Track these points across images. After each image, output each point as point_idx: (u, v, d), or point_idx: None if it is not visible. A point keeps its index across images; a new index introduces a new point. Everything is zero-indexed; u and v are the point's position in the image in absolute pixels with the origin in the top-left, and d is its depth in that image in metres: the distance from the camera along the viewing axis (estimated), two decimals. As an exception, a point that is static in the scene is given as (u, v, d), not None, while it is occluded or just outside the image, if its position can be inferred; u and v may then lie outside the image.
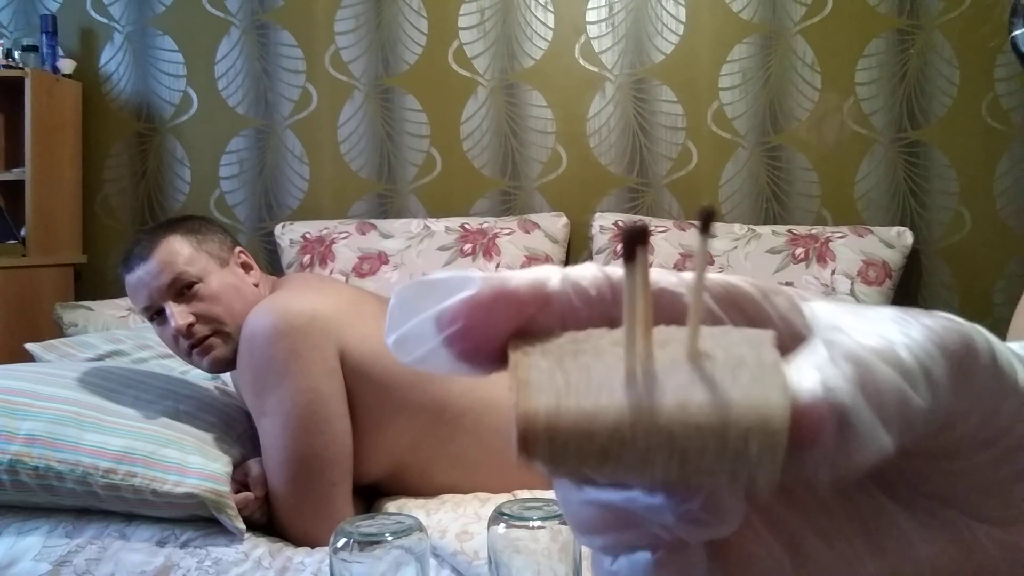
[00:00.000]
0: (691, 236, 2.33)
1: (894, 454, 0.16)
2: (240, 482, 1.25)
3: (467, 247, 2.31)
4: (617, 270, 0.19)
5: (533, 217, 2.44)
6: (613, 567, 0.18)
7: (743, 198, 2.52)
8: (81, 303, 2.19)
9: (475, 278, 0.19)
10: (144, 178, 2.64)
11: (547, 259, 2.33)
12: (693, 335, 0.17)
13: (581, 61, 2.54)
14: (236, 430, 1.34)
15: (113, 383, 1.32)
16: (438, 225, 2.38)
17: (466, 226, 2.37)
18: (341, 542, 0.80)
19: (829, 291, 2.20)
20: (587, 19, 2.54)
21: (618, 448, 0.16)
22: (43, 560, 1.13)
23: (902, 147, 2.48)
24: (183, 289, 1.27)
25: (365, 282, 2.22)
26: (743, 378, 0.16)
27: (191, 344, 1.27)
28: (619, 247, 0.17)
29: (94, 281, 2.60)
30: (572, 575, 0.83)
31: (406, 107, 2.58)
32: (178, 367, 1.62)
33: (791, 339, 0.19)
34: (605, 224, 2.40)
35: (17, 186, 2.41)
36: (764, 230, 2.34)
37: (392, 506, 1.28)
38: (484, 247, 2.31)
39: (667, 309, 0.19)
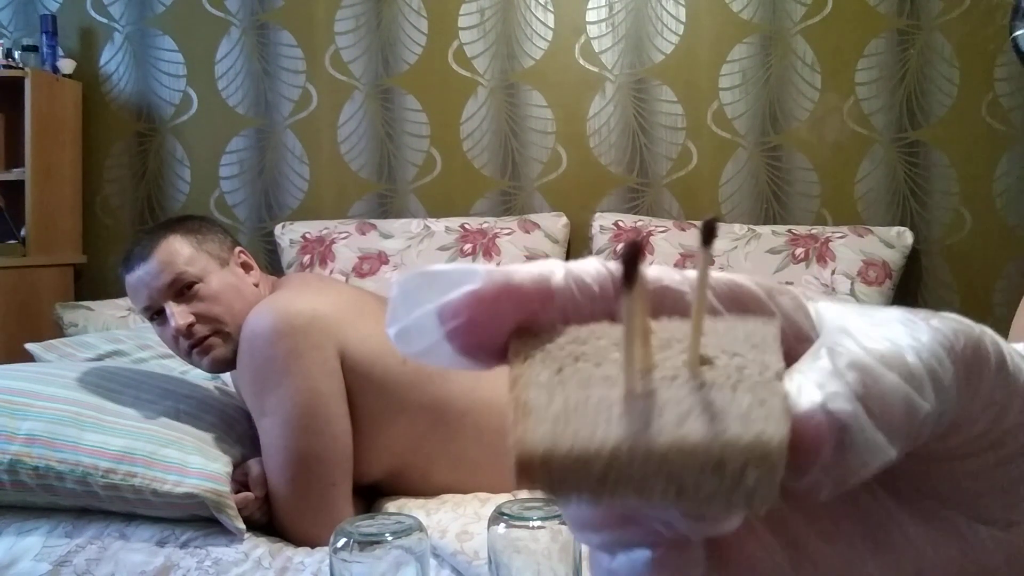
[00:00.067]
0: (691, 236, 2.33)
1: (902, 456, 0.16)
2: (240, 482, 1.25)
3: (467, 247, 2.31)
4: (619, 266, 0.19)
5: (533, 217, 2.44)
6: (612, 565, 0.18)
7: (743, 198, 2.52)
8: (81, 303, 2.19)
9: (478, 272, 0.18)
10: (144, 178, 2.64)
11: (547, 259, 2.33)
12: (695, 344, 0.17)
13: (581, 61, 2.54)
14: (236, 430, 1.34)
15: (113, 383, 1.32)
16: (438, 225, 2.38)
17: (466, 226, 2.37)
18: (341, 542, 0.80)
19: (829, 291, 2.19)
20: (587, 19, 2.54)
21: (614, 479, 0.16)
22: (43, 560, 1.13)
23: (902, 147, 2.48)
24: (183, 289, 1.27)
25: (365, 282, 2.22)
26: (742, 400, 0.16)
27: (191, 344, 1.27)
28: (618, 266, 0.17)
29: (94, 281, 2.60)
30: (572, 575, 0.83)
31: (406, 107, 2.58)
32: (178, 367, 1.62)
33: (796, 339, 0.19)
34: (605, 224, 2.40)
35: (17, 186, 2.41)
36: (764, 230, 2.34)
37: (392, 506, 1.28)
38: (484, 247, 2.31)
39: (670, 307, 0.19)
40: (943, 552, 0.19)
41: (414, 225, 2.39)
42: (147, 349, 1.76)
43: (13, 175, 2.44)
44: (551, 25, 2.55)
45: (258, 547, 1.17)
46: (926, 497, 0.19)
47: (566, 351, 0.18)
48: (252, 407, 1.27)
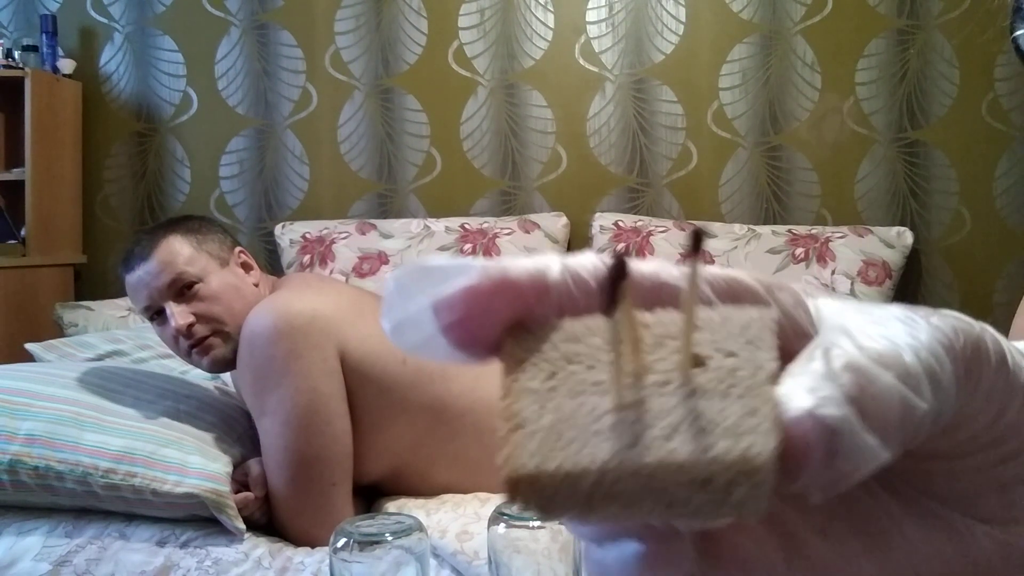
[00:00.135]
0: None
1: (897, 456, 0.16)
2: (240, 482, 1.25)
3: (467, 247, 2.31)
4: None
5: (533, 217, 2.44)
6: (603, 558, 0.18)
7: (743, 198, 2.52)
8: (81, 303, 2.19)
9: (474, 266, 0.18)
10: (144, 178, 2.64)
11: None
12: (686, 348, 0.17)
13: (581, 61, 2.54)
14: (236, 430, 1.34)
15: (113, 383, 1.32)
16: (438, 225, 2.38)
17: (466, 226, 2.37)
18: (341, 542, 0.80)
19: (829, 291, 2.19)
20: (587, 19, 2.54)
21: (602, 497, 0.16)
22: (43, 560, 1.13)
23: (902, 147, 2.48)
24: (183, 289, 1.27)
25: (365, 282, 2.22)
26: (732, 409, 0.16)
27: (191, 344, 1.27)
28: (603, 287, 0.17)
29: (94, 281, 2.60)
30: (572, 575, 0.83)
31: (406, 107, 2.58)
32: (178, 367, 1.62)
33: (795, 335, 0.18)
34: (605, 224, 2.40)
35: (17, 186, 2.41)
36: (764, 230, 2.34)
37: (392, 506, 1.28)
38: (484, 247, 2.31)
39: (667, 301, 0.19)
40: (938, 549, 0.19)
41: (414, 225, 2.39)
42: (147, 349, 1.76)
43: (13, 175, 2.44)
44: (551, 25, 2.55)
45: (258, 547, 1.17)
46: (923, 494, 0.19)
47: (559, 351, 0.18)
48: (252, 407, 1.27)
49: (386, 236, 2.36)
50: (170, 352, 1.40)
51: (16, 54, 2.44)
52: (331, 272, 2.29)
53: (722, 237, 2.31)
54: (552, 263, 0.19)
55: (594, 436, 0.17)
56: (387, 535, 0.80)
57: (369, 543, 0.80)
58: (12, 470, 1.16)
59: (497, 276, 0.18)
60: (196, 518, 1.19)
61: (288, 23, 2.59)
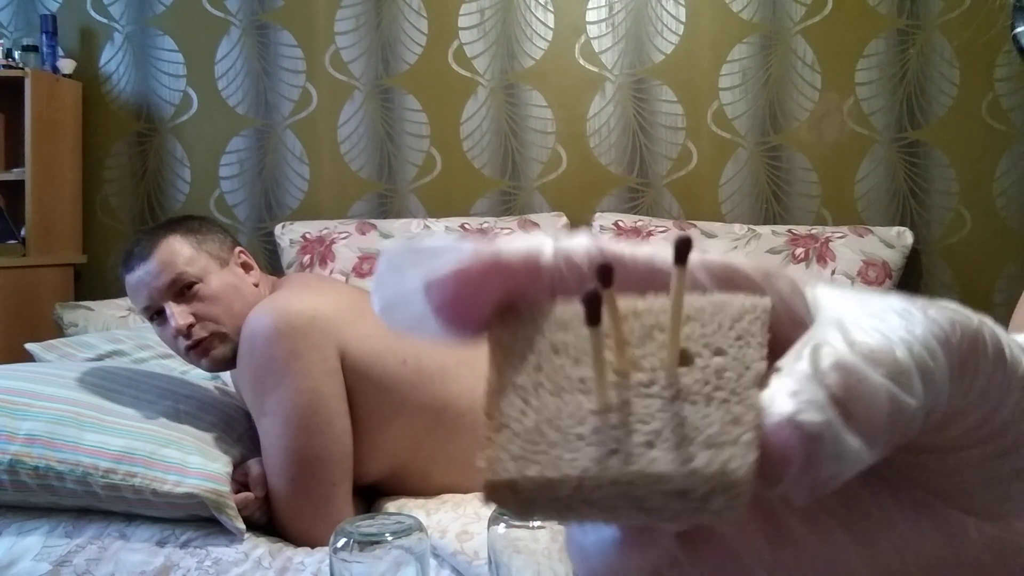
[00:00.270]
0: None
1: (886, 454, 0.16)
2: (240, 482, 1.25)
3: (467, 247, 2.31)
4: (610, 243, 0.19)
5: (533, 217, 2.44)
6: (583, 542, 0.18)
7: (743, 198, 2.52)
8: (81, 303, 2.19)
9: (466, 246, 0.18)
10: (144, 178, 2.64)
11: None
12: (672, 349, 0.17)
13: (581, 61, 2.54)
14: (236, 430, 1.34)
15: (113, 383, 1.32)
16: (438, 225, 2.38)
17: (466, 226, 2.37)
18: (341, 542, 0.80)
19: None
20: (587, 19, 2.54)
21: (580, 503, 0.16)
22: (43, 560, 1.13)
23: (902, 147, 2.48)
24: (183, 289, 1.27)
25: (365, 282, 2.22)
26: (715, 417, 0.16)
27: (191, 344, 1.27)
28: (581, 306, 0.17)
29: (94, 281, 2.60)
30: (572, 575, 0.83)
31: (406, 107, 2.58)
32: (178, 367, 1.62)
33: (791, 323, 0.18)
34: (605, 224, 2.40)
35: (17, 186, 2.41)
36: (764, 230, 2.34)
37: (392, 506, 1.28)
38: (484, 247, 2.31)
39: (661, 288, 0.18)
40: (927, 540, 0.19)
41: (414, 225, 2.39)
42: (147, 349, 1.76)
43: (13, 175, 2.44)
44: (551, 25, 2.55)
45: (258, 547, 1.17)
46: (915, 486, 0.19)
47: (547, 340, 0.18)
48: (252, 407, 1.27)
49: (386, 236, 2.36)
50: (170, 352, 1.40)
51: (16, 54, 2.44)
52: (331, 272, 2.29)
53: (722, 237, 2.31)
54: (545, 245, 0.19)
55: (576, 440, 0.17)
56: (387, 535, 0.80)
57: (369, 543, 0.80)
58: (12, 470, 1.16)
59: (489, 257, 0.18)
60: (196, 518, 1.19)
61: (288, 23, 2.59)
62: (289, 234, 2.42)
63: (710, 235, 2.33)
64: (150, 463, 1.17)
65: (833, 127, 2.49)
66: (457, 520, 1.18)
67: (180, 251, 1.29)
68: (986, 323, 0.18)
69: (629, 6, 2.52)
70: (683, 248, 0.17)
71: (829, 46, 2.48)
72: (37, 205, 2.39)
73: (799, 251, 2.26)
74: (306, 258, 2.34)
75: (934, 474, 0.19)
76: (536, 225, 2.39)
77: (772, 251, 2.27)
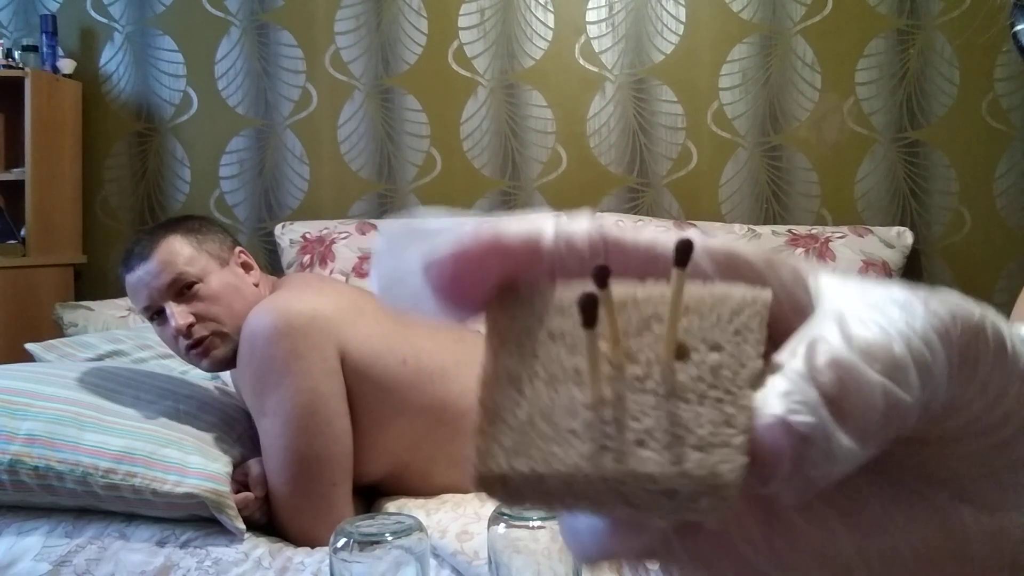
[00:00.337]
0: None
1: (880, 450, 0.16)
2: (240, 482, 1.25)
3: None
4: (612, 226, 0.19)
5: (533, 217, 2.43)
6: (574, 523, 0.18)
7: (743, 198, 2.52)
8: (81, 303, 2.19)
9: (466, 226, 0.18)
10: (144, 178, 2.64)
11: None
12: (669, 345, 0.17)
13: (581, 61, 2.54)
14: (236, 430, 1.34)
15: (113, 383, 1.32)
16: (438, 225, 2.38)
17: (466, 226, 2.37)
18: (341, 542, 0.80)
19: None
20: (587, 19, 2.54)
21: (570, 497, 0.16)
22: (43, 560, 1.13)
23: (902, 147, 2.48)
24: (183, 289, 1.27)
25: (365, 282, 2.22)
26: (707, 417, 0.16)
27: (191, 344, 1.27)
28: (578, 310, 0.17)
29: (94, 281, 2.60)
30: (572, 575, 0.83)
31: (406, 107, 2.58)
32: (178, 367, 1.62)
33: (793, 312, 0.18)
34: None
35: (17, 186, 2.41)
36: (764, 230, 2.34)
37: (392, 506, 1.28)
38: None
39: (662, 274, 0.18)
40: (923, 530, 0.19)
41: (414, 225, 2.39)
42: (147, 349, 1.76)
43: (13, 175, 2.44)
44: (551, 25, 2.54)
45: (258, 547, 1.17)
46: (913, 476, 0.19)
47: (544, 326, 0.18)
48: (252, 407, 1.27)
49: (386, 236, 2.35)
50: (170, 352, 1.40)
51: (16, 54, 2.44)
52: (331, 272, 2.29)
53: (723, 237, 2.31)
54: (546, 227, 0.19)
55: (568, 435, 0.17)
56: (387, 535, 0.80)
57: (369, 543, 0.80)
58: (12, 470, 1.16)
59: (489, 237, 0.18)
60: (196, 518, 1.19)
61: (288, 23, 2.59)
62: (289, 234, 2.41)
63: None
64: (150, 463, 1.17)
65: (833, 127, 2.49)
66: (457, 520, 1.18)
67: (180, 251, 1.29)
68: (988, 316, 0.17)
69: (629, 6, 2.52)
70: (683, 251, 0.17)
71: (829, 46, 2.48)
72: (37, 205, 2.39)
73: (799, 251, 2.26)
74: (306, 258, 2.34)
75: (932, 465, 0.19)
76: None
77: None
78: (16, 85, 2.36)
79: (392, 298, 0.19)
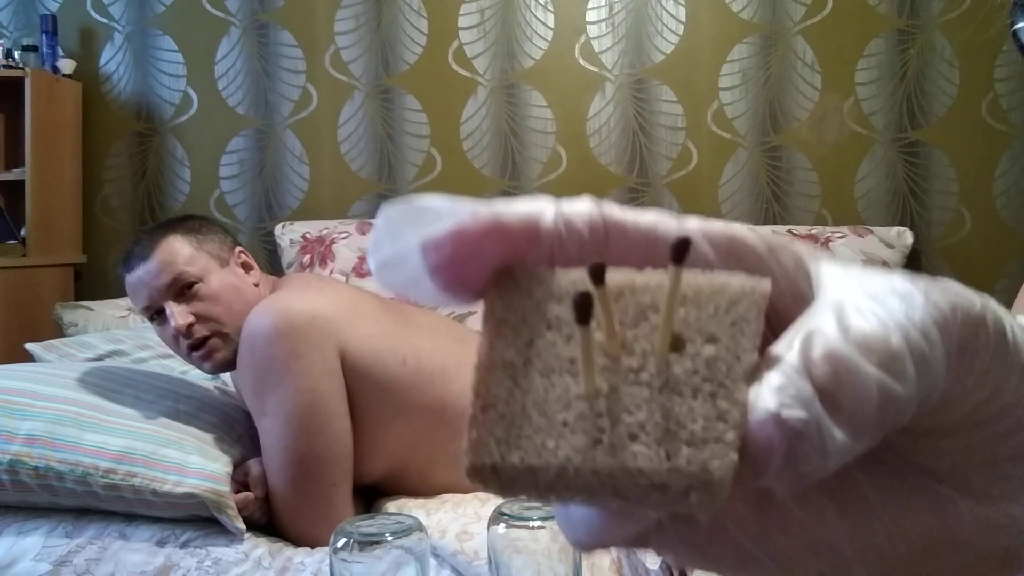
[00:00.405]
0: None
1: (875, 443, 0.16)
2: (240, 482, 1.25)
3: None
4: (613, 209, 0.19)
5: (533, 217, 2.43)
6: (568, 509, 0.18)
7: (743, 198, 2.52)
8: (81, 303, 2.19)
9: (466, 208, 0.18)
10: (144, 178, 2.64)
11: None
12: (664, 339, 0.17)
13: (581, 61, 2.54)
14: (236, 430, 1.34)
15: (113, 383, 1.32)
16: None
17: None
18: (341, 542, 0.80)
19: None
20: (587, 19, 2.54)
21: (561, 488, 0.16)
22: (43, 560, 1.13)
23: (902, 147, 2.48)
24: (183, 289, 1.27)
25: (365, 282, 2.22)
26: (700, 412, 0.16)
27: (191, 344, 1.27)
28: (572, 307, 0.17)
29: (94, 281, 2.60)
30: (572, 575, 0.83)
31: (406, 107, 2.58)
32: (178, 367, 1.62)
33: (793, 299, 0.18)
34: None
35: (17, 186, 2.41)
36: (764, 230, 2.33)
37: (392, 506, 1.28)
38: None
39: (661, 260, 0.18)
40: (918, 519, 0.19)
41: (414, 225, 2.39)
42: (147, 349, 1.76)
43: (13, 175, 2.44)
44: (551, 25, 2.54)
45: (258, 547, 1.17)
46: (909, 465, 0.19)
47: (541, 312, 0.18)
48: (252, 407, 1.27)
49: (386, 236, 2.35)
50: (170, 352, 1.40)
51: (16, 54, 2.44)
52: (331, 272, 2.29)
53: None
54: (546, 209, 0.18)
55: (561, 426, 0.17)
56: (387, 535, 0.80)
57: (369, 543, 0.80)
58: (12, 470, 1.16)
59: (488, 219, 0.18)
60: (196, 518, 1.19)
61: (288, 23, 2.59)
62: (289, 234, 2.41)
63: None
64: (150, 463, 1.17)
65: (833, 127, 2.49)
66: (457, 520, 1.18)
67: (180, 251, 1.29)
68: (989, 307, 0.17)
69: (629, 6, 2.52)
70: (681, 248, 0.17)
71: (829, 46, 2.48)
72: (37, 205, 2.39)
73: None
74: (306, 258, 2.34)
75: (929, 455, 0.19)
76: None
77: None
78: (16, 85, 2.36)
79: (390, 280, 0.19)
